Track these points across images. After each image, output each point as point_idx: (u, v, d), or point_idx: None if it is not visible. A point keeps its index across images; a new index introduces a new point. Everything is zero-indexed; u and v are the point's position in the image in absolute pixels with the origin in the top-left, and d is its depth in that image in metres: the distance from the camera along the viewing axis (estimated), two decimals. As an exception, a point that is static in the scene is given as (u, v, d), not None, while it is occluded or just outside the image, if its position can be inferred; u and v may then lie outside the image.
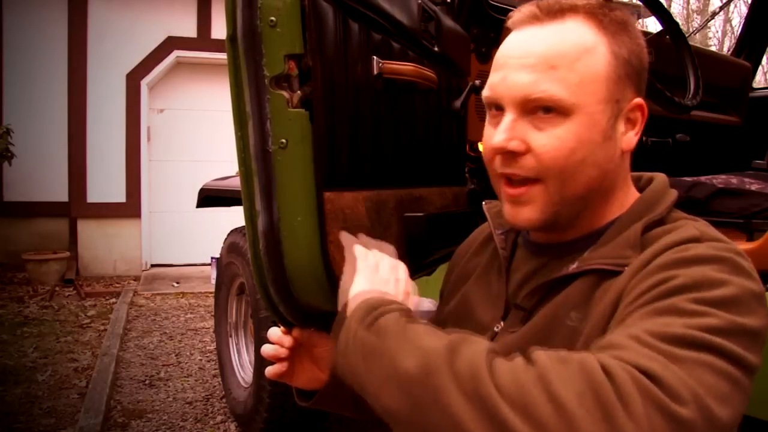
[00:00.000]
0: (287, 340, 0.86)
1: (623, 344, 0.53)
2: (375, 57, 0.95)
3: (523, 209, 0.71)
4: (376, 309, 0.64)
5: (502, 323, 0.75)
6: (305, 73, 0.76)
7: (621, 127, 0.70)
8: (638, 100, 0.71)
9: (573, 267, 0.69)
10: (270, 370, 0.88)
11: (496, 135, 0.69)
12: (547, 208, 0.70)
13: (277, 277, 0.79)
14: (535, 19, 0.69)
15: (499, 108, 0.70)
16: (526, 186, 0.69)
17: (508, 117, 0.68)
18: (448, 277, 0.93)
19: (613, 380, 0.48)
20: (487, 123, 0.73)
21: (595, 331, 0.62)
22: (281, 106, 0.74)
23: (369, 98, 0.95)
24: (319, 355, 0.89)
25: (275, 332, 0.88)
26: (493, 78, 0.70)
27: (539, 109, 0.67)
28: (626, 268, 0.64)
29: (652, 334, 0.53)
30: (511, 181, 0.70)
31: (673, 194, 0.73)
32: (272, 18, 0.72)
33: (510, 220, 0.73)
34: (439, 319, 0.91)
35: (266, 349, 0.87)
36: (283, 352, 0.87)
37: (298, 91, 0.75)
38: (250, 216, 0.79)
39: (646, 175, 0.77)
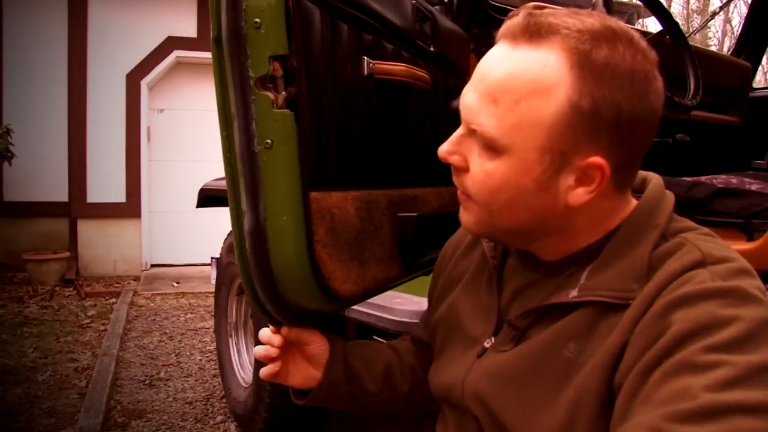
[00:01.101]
0: (277, 339, 0.87)
1: None
2: (365, 57, 0.95)
3: (464, 214, 0.71)
4: None
5: (493, 339, 0.74)
6: (290, 73, 0.76)
7: (568, 180, 0.63)
8: (596, 159, 0.61)
9: (573, 294, 0.65)
10: (264, 371, 0.89)
11: (444, 144, 0.68)
12: (480, 227, 0.70)
13: (264, 276, 0.79)
14: (511, 37, 0.62)
15: None
16: (466, 197, 0.69)
17: (459, 131, 0.67)
18: (435, 281, 0.92)
19: None
20: None
21: (598, 370, 0.60)
22: (266, 106, 0.74)
23: (359, 99, 0.95)
24: (311, 353, 0.89)
25: (265, 332, 0.88)
26: (463, 90, 0.69)
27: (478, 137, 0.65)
28: (631, 301, 0.61)
29: (671, 418, 0.50)
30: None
31: (671, 200, 0.69)
32: (257, 19, 0.73)
33: (459, 218, 0.73)
34: (429, 324, 0.91)
35: (258, 350, 0.88)
36: (274, 351, 0.87)
37: (283, 92, 0.76)
38: (236, 216, 0.79)
39: (640, 174, 0.73)
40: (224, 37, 0.74)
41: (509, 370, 0.68)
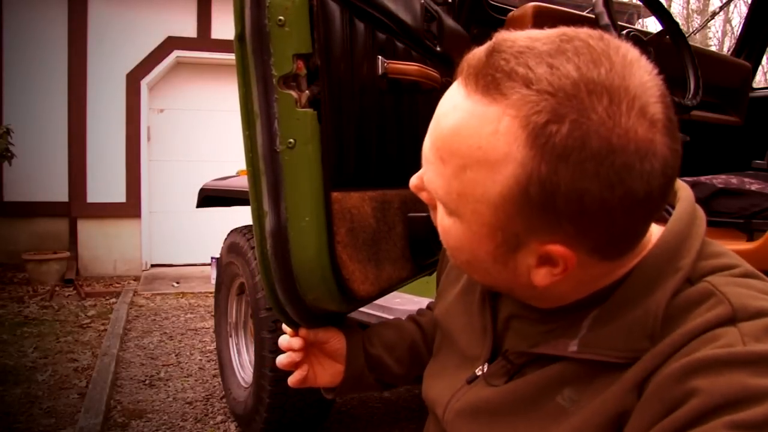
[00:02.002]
0: (297, 343, 0.85)
1: None
2: (380, 57, 0.95)
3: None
4: None
5: (486, 367, 0.67)
6: (313, 72, 0.75)
7: (527, 260, 0.53)
8: (556, 248, 0.50)
9: (572, 349, 0.56)
10: (292, 379, 0.86)
11: (413, 177, 0.62)
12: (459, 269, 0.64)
13: (284, 277, 0.78)
14: (466, 79, 0.50)
15: None
16: None
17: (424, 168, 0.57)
18: (441, 264, 0.89)
19: None
20: None
21: (590, 426, 0.53)
22: (289, 105, 0.74)
23: (374, 98, 0.95)
24: (331, 350, 0.88)
25: (284, 339, 0.86)
26: None
27: None
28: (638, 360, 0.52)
29: None
30: None
31: (701, 228, 0.57)
32: (281, 17, 0.72)
33: None
34: (434, 314, 0.90)
35: (281, 360, 0.85)
36: (297, 356, 0.85)
37: (306, 91, 0.75)
38: (257, 216, 0.78)
39: None
40: (248, 35, 0.73)
41: (495, 406, 0.64)
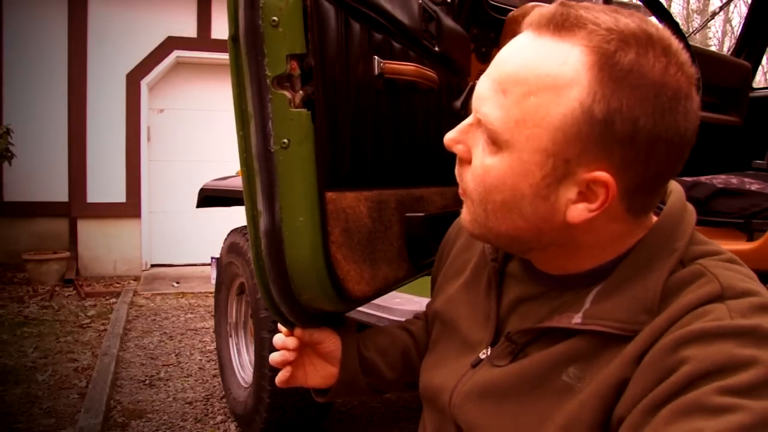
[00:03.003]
0: (292, 342, 0.85)
1: None
2: (376, 57, 0.95)
3: (463, 211, 0.66)
4: None
5: (489, 350, 0.69)
6: (307, 72, 0.76)
7: (568, 192, 0.57)
8: (602, 174, 0.55)
9: (576, 321, 0.60)
10: (279, 378, 0.87)
11: (450, 131, 0.64)
12: (476, 227, 0.65)
13: (279, 277, 0.78)
14: (537, 26, 0.57)
15: None
16: (464, 193, 0.65)
17: (468, 119, 0.63)
18: (438, 263, 0.90)
19: None
20: None
21: (594, 399, 0.56)
22: (283, 106, 0.74)
23: (370, 98, 0.94)
24: (325, 351, 0.88)
25: (279, 338, 0.87)
26: None
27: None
28: (638, 333, 0.56)
29: None
30: None
31: (692, 218, 0.63)
32: (274, 18, 0.72)
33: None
34: (428, 310, 0.90)
35: (274, 357, 0.86)
36: (291, 355, 0.85)
37: (300, 91, 0.75)
38: (252, 216, 0.78)
39: None
40: (241, 36, 0.73)
41: (501, 387, 0.65)
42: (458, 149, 0.64)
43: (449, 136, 0.64)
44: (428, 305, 0.92)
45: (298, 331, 0.86)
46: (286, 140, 0.74)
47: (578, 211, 0.57)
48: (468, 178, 0.63)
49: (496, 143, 0.58)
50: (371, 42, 0.95)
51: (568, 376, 0.59)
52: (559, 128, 0.54)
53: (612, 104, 0.53)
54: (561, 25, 0.55)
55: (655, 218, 0.63)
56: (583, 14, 0.54)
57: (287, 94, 0.74)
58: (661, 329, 0.54)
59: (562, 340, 0.61)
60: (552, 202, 0.58)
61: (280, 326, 0.88)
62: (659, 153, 0.55)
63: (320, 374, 0.89)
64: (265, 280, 0.80)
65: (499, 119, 0.57)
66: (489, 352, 0.69)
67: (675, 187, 0.66)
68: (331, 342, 0.88)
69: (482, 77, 0.60)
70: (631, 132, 0.53)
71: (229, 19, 0.75)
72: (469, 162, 0.63)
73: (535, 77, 0.55)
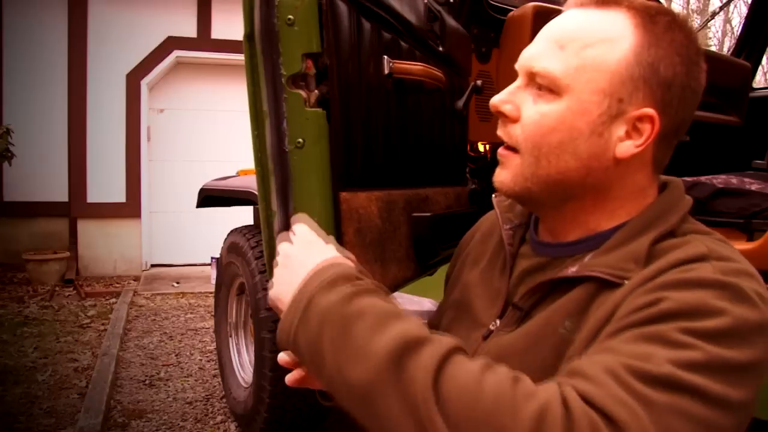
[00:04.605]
0: None
1: (598, 379, 0.51)
2: (386, 56, 0.96)
3: (501, 171, 0.71)
4: (351, 282, 0.62)
5: (498, 321, 0.74)
6: (322, 72, 0.75)
7: (618, 130, 0.65)
8: (648, 110, 0.64)
9: (572, 270, 0.66)
10: (290, 377, 0.86)
11: (497, 95, 0.69)
12: (518, 180, 0.69)
13: None
14: (583, 3, 0.68)
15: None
16: (510, 151, 0.70)
17: (515, 83, 0.69)
18: (454, 261, 0.92)
19: (568, 421, 0.48)
20: None
21: (585, 342, 0.60)
22: (298, 105, 0.74)
23: (380, 98, 0.95)
24: None
25: None
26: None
27: (537, 84, 0.67)
28: (626, 281, 0.61)
29: (630, 370, 0.51)
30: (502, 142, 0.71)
31: (688, 202, 0.70)
32: (290, 16, 0.72)
33: (493, 180, 0.73)
34: (441, 308, 0.91)
35: (283, 356, 0.86)
36: None
37: (315, 91, 0.75)
38: (266, 216, 0.78)
39: (662, 178, 0.74)
40: (257, 34, 0.73)
41: (511, 349, 0.68)
42: (506, 108, 0.69)
43: (498, 98, 0.69)
44: (440, 305, 0.93)
45: None
46: (301, 140, 0.74)
47: (626, 147, 0.65)
48: (517, 132, 0.68)
49: (554, 90, 0.65)
50: (381, 41, 0.95)
51: (564, 329, 0.64)
52: (615, 71, 0.64)
53: (657, 52, 0.64)
54: (603, 1, 0.67)
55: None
56: None
57: (302, 93, 0.74)
58: (647, 278, 0.60)
59: (561, 296, 0.66)
60: (605, 139, 0.65)
61: None
62: (687, 100, 0.66)
63: None
64: None
65: (559, 68, 0.65)
66: (498, 324, 0.74)
67: (674, 180, 0.73)
68: None
69: (529, 46, 0.69)
70: (671, 76, 0.64)
71: (244, 18, 0.74)
72: (515, 120, 0.68)
73: (590, 33, 0.65)
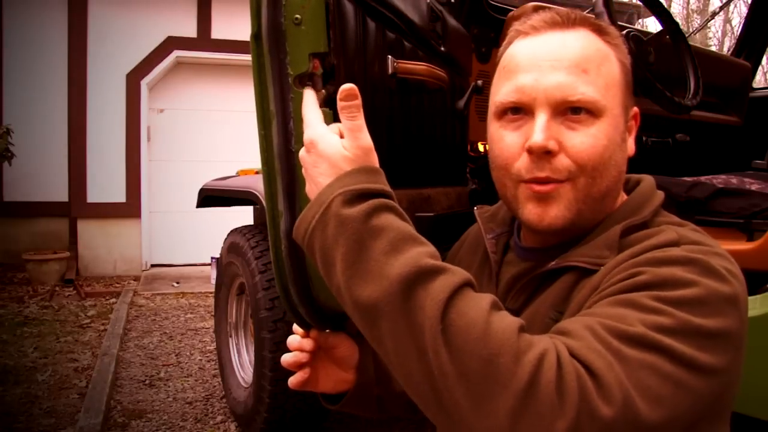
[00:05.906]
0: (308, 344, 0.84)
1: (578, 334, 0.55)
2: (390, 56, 0.96)
3: (551, 207, 0.69)
4: (372, 199, 0.62)
5: None
6: (329, 71, 0.75)
7: (625, 133, 0.73)
8: (635, 108, 0.76)
9: (552, 263, 0.71)
10: (293, 380, 0.85)
11: (534, 135, 0.68)
12: (573, 206, 0.69)
13: (299, 278, 0.78)
14: (556, 25, 0.71)
15: (518, 111, 0.70)
16: (554, 184, 0.69)
17: (542, 117, 0.68)
18: (450, 261, 0.92)
19: (560, 370, 0.51)
20: (499, 127, 0.73)
21: None
22: None
23: (384, 98, 0.95)
24: (339, 356, 0.87)
25: (294, 339, 0.85)
26: (523, 80, 0.69)
27: (568, 111, 0.68)
28: (602, 267, 0.66)
29: (606, 328, 0.55)
30: (538, 181, 0.70)
31: (659, 197, 0.75)
32: (297, 16, 0.72)
33: (534, 220, 0.71)
34: None
35: (286, 358, 0.84)
36: (304, 357, 0.84)
37: (322, 90, 0.75)
38: (272, 217, 0.77)
39: (634, 177, 0.78)
40: (264, 34, 0.73)
41: None
42: (551, 145, 0.68)
43: (540, 141, 0.68)
44: None
45: (313, 332, 0.85)
46: None
47: (630, 144, 0.75)
48: (565, 163, 0.69)
49: (595, 112, 0.69)
50: (385, 41, 0.95)
51: (550, 318, 0.68)
52: (620, 82, 0.72)
53: (625, 56, 0.74)
54: (573, 21, 0.71)
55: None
56: (568, 11, 0.73)
57: None
58: (620, 261, 0.64)
59: (545, 290, 0.71)
60: (626, 143, 0.74)
61: (295, 328, 0.86)
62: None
63: (332, 379, 0.88)
64: (284, 281, 0.79)
65: (595, 91, 0.68)
66: None
67: (646, 177, 0.78)
68: (345, 347, 0.87)
69: (543, 73, 0.69)
70: (630, 73, 0.74)
71: (251, 17, 0.74)
72: (557, 153, 0.69)
73: (594, 52, 0.70)
